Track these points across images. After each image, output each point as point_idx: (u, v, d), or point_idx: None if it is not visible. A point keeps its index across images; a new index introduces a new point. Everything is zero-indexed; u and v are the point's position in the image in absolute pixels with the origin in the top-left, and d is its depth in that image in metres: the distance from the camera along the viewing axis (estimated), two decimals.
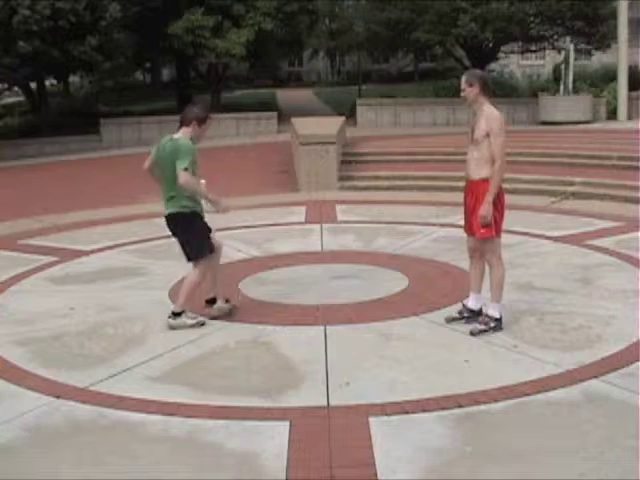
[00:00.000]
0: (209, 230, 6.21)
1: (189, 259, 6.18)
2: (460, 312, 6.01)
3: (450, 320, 5.98)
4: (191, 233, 6.09)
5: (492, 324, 5.74)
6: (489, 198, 5.58)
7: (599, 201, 11.15)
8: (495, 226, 5.68)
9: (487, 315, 5.79)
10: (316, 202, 11.83)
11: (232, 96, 32.21)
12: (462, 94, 5.71)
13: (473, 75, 5.74)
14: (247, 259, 8.42)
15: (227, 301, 6.42)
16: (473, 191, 5.71)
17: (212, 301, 6.38)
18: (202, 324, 6.13)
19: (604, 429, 4.19)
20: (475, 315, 5.91)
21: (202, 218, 6.16)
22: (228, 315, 6.32)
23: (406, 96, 25.38)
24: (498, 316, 5.78)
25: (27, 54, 18.77)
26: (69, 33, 19.32)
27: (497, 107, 5.72)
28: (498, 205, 5.67)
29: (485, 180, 5.61)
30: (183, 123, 6.02)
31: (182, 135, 5.98)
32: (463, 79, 5.70)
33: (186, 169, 5.78)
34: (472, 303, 5.97)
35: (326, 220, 10.45)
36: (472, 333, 5.70)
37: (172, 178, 5.90)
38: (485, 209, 5.60)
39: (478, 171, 5.65)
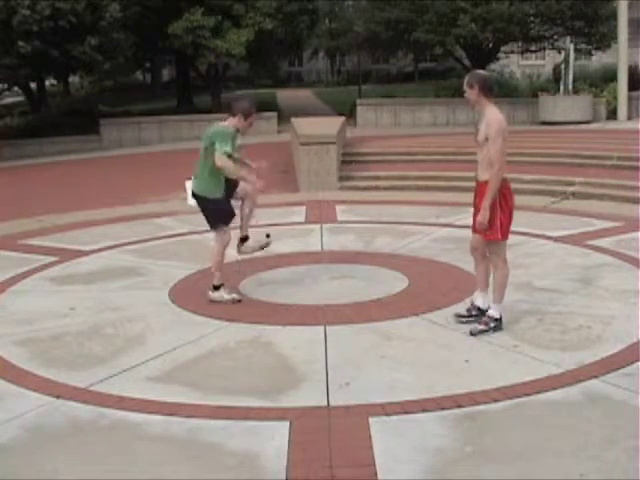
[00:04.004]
0: (228, 203, 6.78)
1: (211, 228, 6.89)
2: (469, 310, 6.00)
3: (459, 317, 5.97)
4: (210, 212, 6.75)
5: (492, 324, 5.75)
6: (485, 204, 5.56)
7: (599, 201, 11.14)
8: (501, 229, 5.66)
9: (487, 315, 5.79)
10: (316, 202, 11.84)
11: (232, 96, 32.19)
12: (465, 96, 5.71)
13: (473, 76, 5.70)
14: (247, 259, 8.40)
15: (245, 239, 7.09)
16: (479, 192, 5.71)
17: (245, 239, 7.07)
18: (238, 301, 6.70)
19: (604, 429, 4.19)
20: (483, 314, 5.90)
21: (221, 200, 6.67)
22: (261, 249, 7.21)
23: (406, 96, 25.40)
24: (498, 316, 5.78)
25: (27, 54, 18.76)
26: (69, 33, 19.32)
27: (500, 108, 5.70)
28: (505, 208, 5.64)
29: (487, 183, 5.61)
30: (231, 113, 6.63)
31: (227, 124, 6.59)
32: (465, 81, 5.70)
33: (225, 152, 6.32)
34: (481, 302, 5.95)
35: (326, 220, 10.45)
36: (472, 333, 5.71)
37: (202, 159, 6.55)
38: (482, 215, 5.59)
39: (482, 173, 5.65)
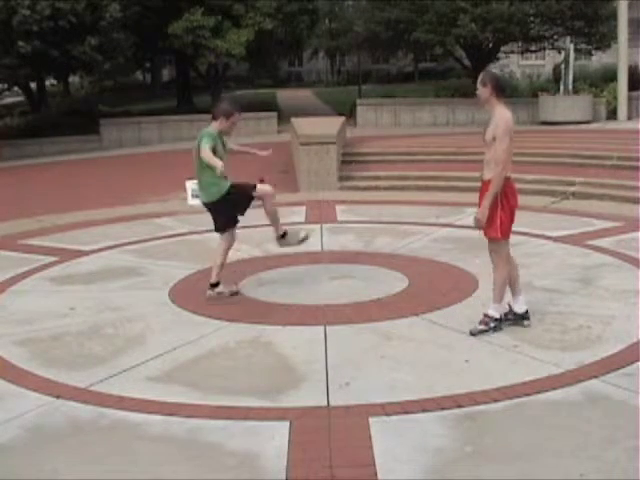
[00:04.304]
0: (235, 205, 6.85)
1: (216, 230, 6.99)
2: (506, 314, 5.90)
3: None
4: (217, 214, 6.87)
5: (492, 324, 5.74)
6: (485, 202, 5.57)
7: (599, 201, 11.15)
8: (501, 227, 5.65)
9: (487, 315, 5.79)
10: (316, 202, 11.84)
11: (232, 96, 32.21)
12: (477, 93, 5.74)
13: (487, 75, 5.78)
14: (247, 259, 8.42)
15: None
16: (483, 192, 5.71)
17: (283, 235, 7.17)
18: (235, 293, 6.93)
19: (604, 429, 4.19)
20: (520, 318, 5.86)
21: (227, 198, 6.74)
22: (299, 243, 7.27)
23: (406, 96, 25.40)
24: (498, 316, 5.78)
25: (27, 54, 18.76)
26: (69, 33, 19.32)
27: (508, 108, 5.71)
28: (506, 206, 5.63)
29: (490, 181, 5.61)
30: (213, 118, 6.80)
31: (210, 128, 6.75)
32: (478, 79, 5.75)
33: (207, 147, 6.48)
34: (517, 306, 5.89)
35: (326, 220, 10.45)
36: (472, 333, 5.71)
37: (198, 164, 6.66)
38: (480, 212, 5.59)
39: (487, 172, 5.66)
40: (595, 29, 22.59)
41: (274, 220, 7.16)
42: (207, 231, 8.68)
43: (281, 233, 7.22)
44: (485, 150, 5.70)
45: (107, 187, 14.47)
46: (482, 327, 5.74)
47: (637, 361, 5.08)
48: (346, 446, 4.08)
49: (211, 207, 6.88)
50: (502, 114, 5.59)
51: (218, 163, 6.42)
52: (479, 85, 5.69)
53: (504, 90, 5.78)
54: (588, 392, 4.67)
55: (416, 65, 44.03)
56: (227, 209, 6.83)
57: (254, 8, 23.57)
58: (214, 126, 6.77)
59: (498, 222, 5.63)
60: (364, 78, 36.76)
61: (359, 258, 8.24)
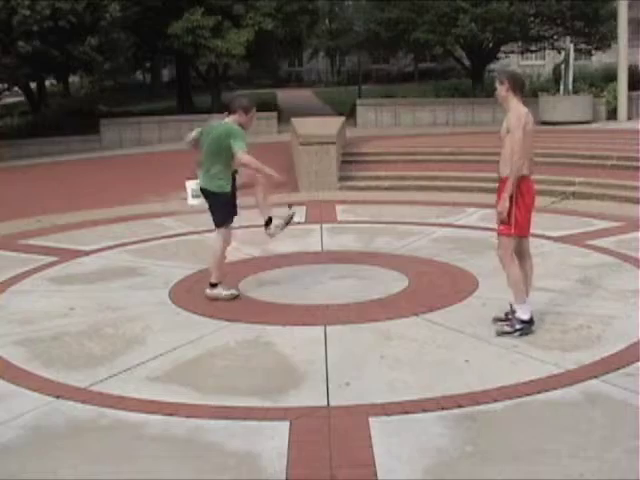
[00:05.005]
0: (234, 203, 6.90)
1: (215, 225, 6.89)
2: (506, 313, 5.89)
3: (496, 321, 5.89)
4: (218, 207, 6.78)
5: (517, 326, 5.66)
6: (505, 194, 5.57)
7: (599, 201, 11.15)
8: (515, 225, 5.63)
9: (514, 317, 5.71)
10: (316, 202, 11.84)
11: (232, 96, 32.16)
12: (496, 93, 5.77)
13: (503, 73, 5.87)
14: (247, 259, 8.42)
15: (269, 222, 7.08)
16: (500, 189, 5.71)
17: (269, 222, 7.07)
18: (235, 296, 6.79)
19: (604, 429, 4.20)
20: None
21: (230, 195, 6.79)
22: (287, 223, 7.15)
23: (406, 96, 25.40)
24: (526, 318, 5.67)
25: (27, 54, 18.75)
26: (69, 33, 19.30)
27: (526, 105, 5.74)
28: (521, 205, 5.62)
29: (507, 177, 5.62)
30: (230, 111, 6.68)
31: (231, 121, 6.60)
32: (496, 78, 5.81)
33: (245, 149, 6.41)
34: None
35: (326, 220, 10.45)
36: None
37: (215, 156, 6.58)
38: (500, 205, 5.59)
39: (503, 168, 5.66)
40: (595, 29, 22.61)
41: (263, 206, 7.13)
42: (207, 231, 8.68)
43: (267, 219, 7.14)
44: (501, 149, 5.72)
45: (107, 187, 14.48)
46: (507, 329, 5.67)
47: (637, 361, 5.08)
48: (346, 446, 4.08)
49: (209, 195, 6.78)
50: (516, 108, 5.63)
51: (273, 173, 6.55)
52: (497, 84, 5.74)
53: (521, 87, 5.80)
54: (588, 392, 4.67)
55: (416, 65, 44.04)
56: (224, 204, 6.79)
57: (254, 8, 23.55)
58: (233, 120, 6.61)
59: (513, 220, 5.63)
60: (364, 78, 36.76)
61: (359, 258, 8.24)
